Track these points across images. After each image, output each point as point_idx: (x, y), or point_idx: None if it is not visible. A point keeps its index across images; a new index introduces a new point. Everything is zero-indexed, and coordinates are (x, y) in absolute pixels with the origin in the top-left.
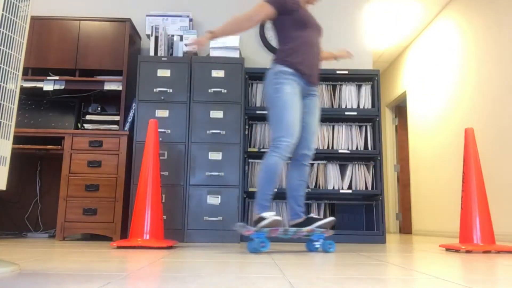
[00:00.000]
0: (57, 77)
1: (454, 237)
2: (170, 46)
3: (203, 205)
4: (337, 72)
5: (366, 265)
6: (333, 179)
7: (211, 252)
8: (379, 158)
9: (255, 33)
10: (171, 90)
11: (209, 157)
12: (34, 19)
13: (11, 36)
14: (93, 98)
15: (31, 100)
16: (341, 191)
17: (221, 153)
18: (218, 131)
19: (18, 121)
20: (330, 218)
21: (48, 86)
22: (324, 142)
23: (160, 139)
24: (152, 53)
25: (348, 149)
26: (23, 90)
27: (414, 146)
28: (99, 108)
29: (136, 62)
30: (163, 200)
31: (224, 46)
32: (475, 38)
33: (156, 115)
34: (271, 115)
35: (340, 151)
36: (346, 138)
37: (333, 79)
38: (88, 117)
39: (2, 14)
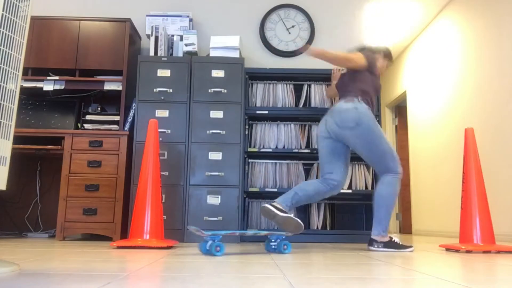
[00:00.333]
0: (57, 77)
1: (454, 237)
2: (170, 46)
3: (203, 205)
4: None
5: (366, 265)
6: None
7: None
8: None
9: (255, 33)
10: (171, 90)
11: (209, 157)
12: (34, 19)
13: (11, 36)
14: (93, 98)
15: (31, 100)
16: (341, 191)
17: (221, 153)
18: (218, 131)
19: (18, 121)
20: (294, 219)
21: (48, 86)
22: None
23: (160, 139)
24: (152, 53)
25: None
26: (23, 90)
27: (414, 146)
28: (99, 108)
29: (136, 62)
30: (163, 200)
31: (224, 46)
32: (475, 38)
33: (156, 115)
34: (380, 144)
35: None
36: None
37: None
38: (88, 117)
39: (2, 14)
